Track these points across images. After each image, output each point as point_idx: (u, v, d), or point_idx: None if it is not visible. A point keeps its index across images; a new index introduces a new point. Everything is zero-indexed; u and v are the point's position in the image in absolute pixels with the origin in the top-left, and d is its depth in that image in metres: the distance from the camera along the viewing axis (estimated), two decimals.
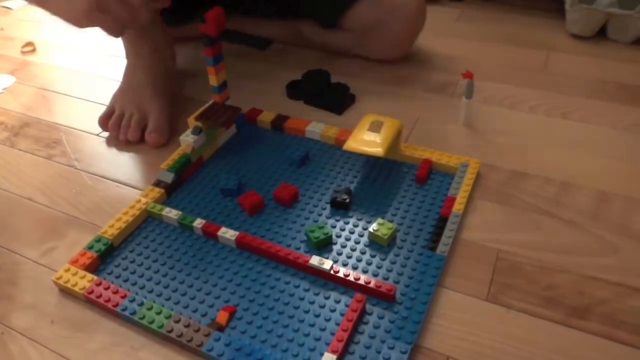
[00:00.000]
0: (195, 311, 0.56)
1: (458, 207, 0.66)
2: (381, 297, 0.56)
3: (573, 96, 0.90)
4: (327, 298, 0.57)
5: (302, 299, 0.57)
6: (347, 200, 0.67)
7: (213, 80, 0.76)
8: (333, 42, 1.04)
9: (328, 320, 0.54)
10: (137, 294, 0.59)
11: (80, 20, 0.63)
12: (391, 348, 0.51)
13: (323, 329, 0.54)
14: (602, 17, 1.05)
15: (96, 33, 1.18)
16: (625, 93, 0.91)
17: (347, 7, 0.96)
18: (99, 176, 0.77)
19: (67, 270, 0.60)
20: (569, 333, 0.53)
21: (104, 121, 0.85)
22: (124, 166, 0.79)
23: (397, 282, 0.58)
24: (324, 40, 1.05)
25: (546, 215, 0.67)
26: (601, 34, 1.09)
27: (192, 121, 0.74)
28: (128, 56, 0.91)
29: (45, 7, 0.66)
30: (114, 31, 0.66)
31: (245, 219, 0.67)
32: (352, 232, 0.64)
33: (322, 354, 0.51)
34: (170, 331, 0.53)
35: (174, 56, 0.95)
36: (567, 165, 0.74)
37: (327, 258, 0.61)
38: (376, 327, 0.53)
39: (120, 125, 0.84)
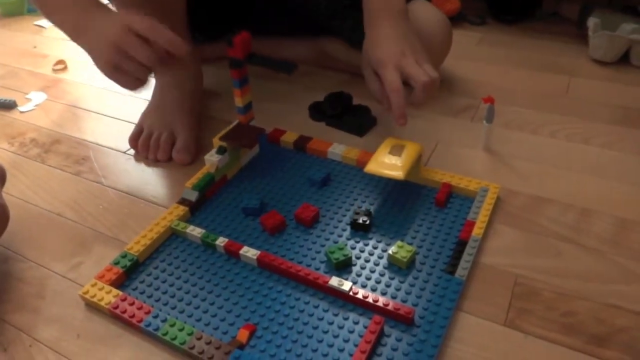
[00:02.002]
0: (216, 329, 0.58)
1: (477, 231, 0.66)
2: (400, 319, 0.56)
3: (594, 122, 0.91)
4: (345, 319, 0.58)
5: (321, 319, 0.58)
6: (367, 222, 0.68)
7: (239, 102, 0.78)
8: (359, 62, 1.05)
9: (346, 341, 0.55)
10: (160, 310, 0.60)
11: (105, 73, 0.74)
12: None
13: (341, 350, 0.54)
14: (625, 44, 1.06)
15: None
16: None
17: None
18: (125, 193, 0.80)
19: (93, 285, 0.62)
20: None
21: (134, 141, 0.87)
22: (149, 183, 0.81)
23: (415, 305, 0.58)
24: (350, 60, 1.05)
25: (566, 242, 0.67)
26: (624, 60, 1.09)
27: (216, 141, 0.76)
28: (156, 76, 0.93)
29: (94, 62, 0.75)
30: (130, 87, 0.76)
31: (267, 239, 0.69)
32: (371, 254, 0.65)
33: None
34: (192, 348, 0.54)
35: (201, 76, 0.98)
36: (588, 191, 0.74)
37: (346, 279, 0.61)
38: (394, 349, 0.54)
39: (149, 145, 0.86)
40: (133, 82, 0.74)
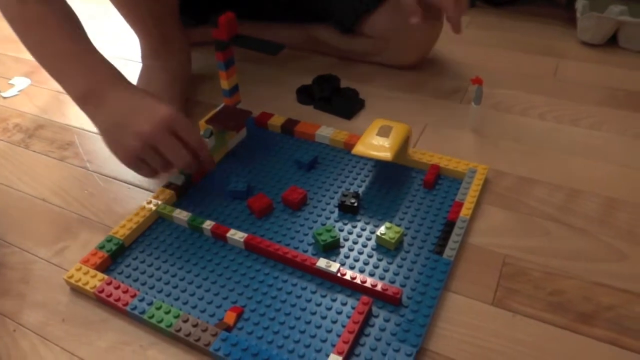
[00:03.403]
0: (203, 311, 0.57)
1: (465, 212, 0.66)
2: (388, 300, 0.56)
3: (582, 103, 0.91)
4: (333, 300, 0.57)
5: (309, 301, 0.57)
6: (356, 204, 0.68)
7: (224, 84, 0.77)
8: (349, 48, 1.04)
9: (334, 322, 0.55)
10: (146, 293, 0.59)
11: (123, 160, 0.66)
12: (397, 350, 0.51)
13: (329, 331, 0.54)
14: (613, 25, 1.05)
15: (110, 37, 1.20)
16: (634, 101, 0.91)
17: (366, 13, 0.96)
18: (111, 177, 0.79)
19: (78, 270, 0.61)
20: (574, 338, 0.53)
21: None
22: None
23: (403, 286, 0.58)
24: (340, 46, 1.05)
25: (553, 221, 0.67)
26: (612, 41, 1.09)
27: (203, 124, 0.75)
28: (144, 57, 0.92)
29: (104, 139, 0.67)
30: (148, 176, 0.69)
31: (254, 221, 0.68)
32: (359, 236, 0.65)
33: (328, 356, 0.51)
34: (179, 330, 0.54)
35: (190, 60, 0.96)
36: (576, 172, 0.74)
37: (334, 261, 0.61)
38: (382, 329, 0.54)
39: None
40: (151, 172, 0.67)
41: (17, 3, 0.67)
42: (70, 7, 0.71)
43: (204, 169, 0.70)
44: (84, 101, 0.67)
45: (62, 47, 0.67)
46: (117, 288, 0.58)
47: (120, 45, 1.17)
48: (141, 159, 0.64)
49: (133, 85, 0.69)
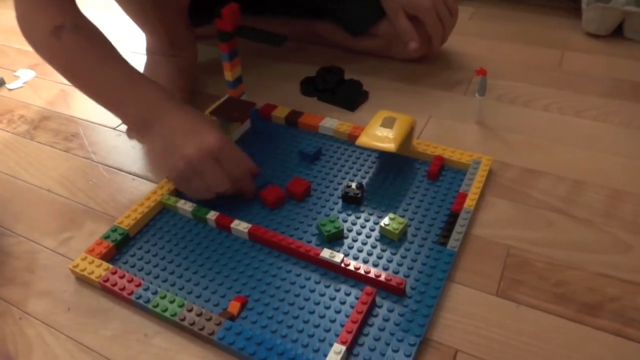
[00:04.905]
0: (207, 301, 0.57)
1: (469, 203, 0.66)
2: (391, 290, 0.56)
3: (587, 95, 0.90)
4: (337, 291, 0.57)
5: (312, 291, 0.58)
6: (359, 195, 0.68)
7: (228, 76, 0.77)
8: (355, 46, 1.04)
9: (338, 312, 0.55)
10: (151, 283, 0.60)
11: (169, 179, 0.69)
12: (400, 340, 0.52)
13: (333, 321, 0.54)
14: (618, 16, 1.05)
15: (113, 29, 1.20)
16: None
17: (379, 19, 0.97)
18: (115, 169, 0.79)
19: (83, 259, 0.61)
20: (578, 329, 0.53)
21: None
22: (139, 159, 0.80)
23: (407, 276, 0.58)
24: (346, 44, 1.04)
25: (558, 213, 0.67)
26: (617, 32, 1.08)
27: (207, 116, 0.75)
28: (149, 51, 0.92)
29: (149, 159, 0.70)
30: (192, 196, 0.69)
31: (258, 212, 0.68)
32: (363, 227, 0.65)
33: (331, 345, 0.51)
34: (183, 319, 0.54)
35: (196, 54, 0.96)
36: (580, 163, 0.74)
37: (338, 251, 0.61)
38: (386, 319, 0.54)
39: None
40: (195, 194, 0.68)
41: (50, 37, 0.67)
42: (97, 27, 0.71)
43: (246, 197, 0.70)
44: (138, 127, 0.69)
45: (107, 75, 0.68)
46: (122, 277, 0.59)
47: (123, 37, 1.17)
48: (187, 180, 0.65)
49: (183, 104, 0.69)
